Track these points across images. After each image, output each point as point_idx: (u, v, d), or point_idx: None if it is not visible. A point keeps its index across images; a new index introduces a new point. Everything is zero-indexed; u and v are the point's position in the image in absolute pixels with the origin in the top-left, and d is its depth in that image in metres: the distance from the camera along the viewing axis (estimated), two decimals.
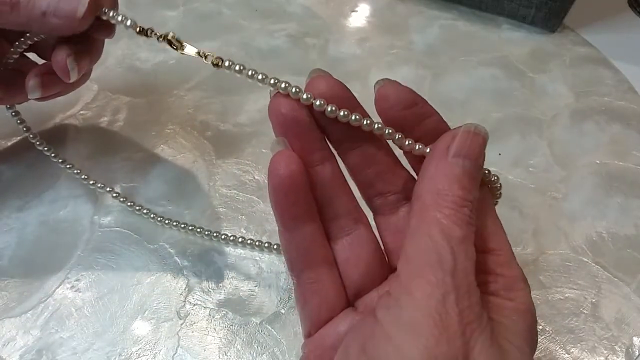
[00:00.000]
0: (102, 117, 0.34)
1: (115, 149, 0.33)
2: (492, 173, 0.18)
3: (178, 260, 0.28)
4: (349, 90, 0.18)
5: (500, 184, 0.19)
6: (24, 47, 0.26)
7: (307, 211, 0.18)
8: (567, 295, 0.27)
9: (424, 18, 0.44)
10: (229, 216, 0.30)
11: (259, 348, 0.25)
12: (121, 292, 0.26)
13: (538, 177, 0.33)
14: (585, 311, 0.27)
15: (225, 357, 0.24)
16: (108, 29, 0.24)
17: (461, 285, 0.15)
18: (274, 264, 0.28)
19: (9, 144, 0.33)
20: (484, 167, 0.18)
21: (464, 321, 0.14)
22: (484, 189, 0.18)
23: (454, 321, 0.14)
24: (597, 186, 0.32)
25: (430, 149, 0.18)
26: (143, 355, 0.24)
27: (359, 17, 0.45)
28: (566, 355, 0.25)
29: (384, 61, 0.40)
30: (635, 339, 0.26)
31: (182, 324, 0.25)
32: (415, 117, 0.18)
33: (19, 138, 0.33)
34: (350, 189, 0.19)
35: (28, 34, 0.25)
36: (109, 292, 0.26)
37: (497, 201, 0.19)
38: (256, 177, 0.32)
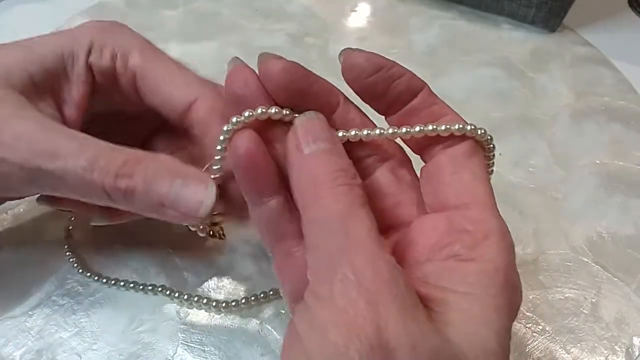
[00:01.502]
0: None
1: None
2: (486, 132, 0.18)
3: (178, 260, 0.28)
4: (303, 68, 0.18)
5: (489, 138, 0.18)
6: None
7: (270, 185, 0.18)
8: (567, 295, 0.27)
9: (424, 18, 0.44)
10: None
11: (259, 348, 0.25)
12: (121, 293, 0.26)
13: (538, 177, 0.33)
14: (585, 311, 0.27)
15: (226, 357, 0.24)
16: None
17: (359, 258, 0.14)
18: None
19: None
20: (478, 126, 0.17)
21: (372, 300, 0.13)
22: (465, 143, 0.17)
23: (360, 309, 0.13)
24: (597, 186, 0.32)
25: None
26: (143, 356, 0.24)
27: (359, 17, 0.45)
28: (566, 355, 0.25)
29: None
30: (635, 338, 0.26)
31: (182, 324, 0.25)
32: (385, 81, 0.17)
33: None
34: None
35: None
36: (109, 292, 0.26)
37: (491, 162, 0.19)
38: None
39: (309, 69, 0.19)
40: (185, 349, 0.24)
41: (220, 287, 0.27)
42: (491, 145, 0.18)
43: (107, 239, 0.28)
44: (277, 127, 0.18)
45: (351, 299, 0.13)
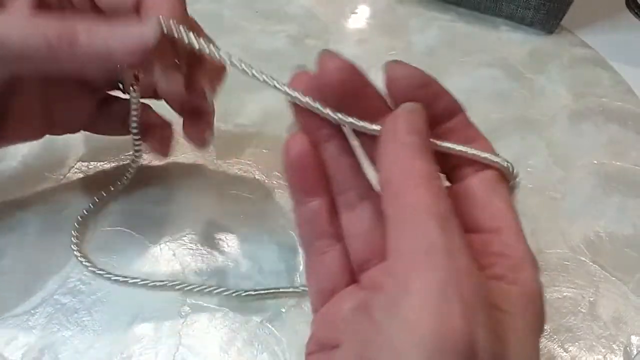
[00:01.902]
0: None
1: (116, 149, 0.33)
2: (507, 161, 0.18)
3: (179, 259, 0.28)
4: (361, 74, 0.18)
5: (513, 168, 0.18)
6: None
7: (316, 188, 0.19)
8: (565, 294, 0.27)
9: (423, 19, 0.45)
10: (230, 216, 0.30)
11: (260, 347, 0.25)
12: (122, 291, 0.26)
13: (537, 177, 0.33)
14: (583, 310, 0.27)
15: (227, 355, 0.24)
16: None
17: (460, 266, 0.14)
18: (275, 262, 0.28)
19: None
20: (500, 155, 0.18)
21: (468, 313, 0.14)
22: (494, 170, 0.18)
23: (456, 316, 0.13)
24: (595, 186, 0.33)
25: (380, 130, 0.17)
26: (144, 354, 0.24)
27: (359, 19, 0.45)
28: (564, 353, 0.25)
29: (384, 62, 0.40)
30: (633, 337, 0.26)
31: (183, 323, 0.25)
32: (426, 98, 0.18)
33: None
34: (358, 165, 0.20)
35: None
36: (111, 291, 0.26)
37: (514, 191, 0.19)
38: (257, 177, 0.32)
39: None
40: (186, 348, 0.25)
41: (222, 286, 0.27)
42: (517, 180, 0.18)
43: (113, 236, 0.28)
44: (326, 129, 0.19)
45: (447, 299, 0.14)
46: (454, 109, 0.18)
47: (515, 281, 0.16)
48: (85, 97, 0.27)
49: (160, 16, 0.20)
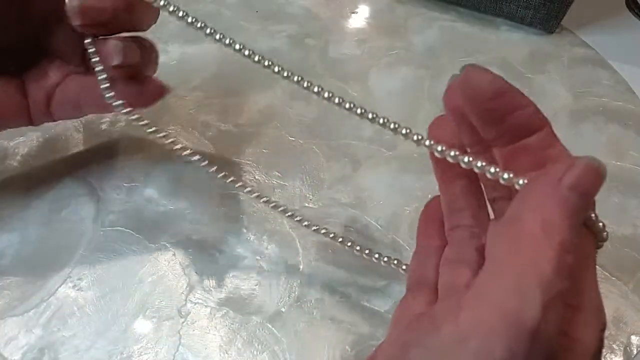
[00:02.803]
0: (104, 118, 0.35)
1: (116, 149, 0.33)
2: (599, 219, 0.16)
3: (179, 259, 0.28)
4: (512, 87, 0.16)
5: (606, 232, 0.16)
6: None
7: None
8: None
9: (423, 19, 0.45)
10: (230, 216, 0.30)
11: (260, 346, 0.25)
12: (123, 291, 0.26)
13: None
14: None
15: (227, 355, 0.25)
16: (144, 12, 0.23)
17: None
18: (275, 262, 0.28)
19: (11, 143, 0.33)
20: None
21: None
22: (587, 235, 0.16)
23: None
24: None
25: (528, 180, 0.16)
26: (145, 354, 0.24)
27: (359, 19, 0.45)
28: None
29: (384, 62, 0.40)
30: (633, 337, 0.26)
31: (183, 323, 0.25)
32: (505, 108, 0.16)
33: (22, 138, 0.33)
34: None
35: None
36: (111, 290, 0.26)
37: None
38: (257, 177, 0.32)
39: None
40: (186, 348, 0.25)
41: (221, 286, 0.27)
42: (604, 234, 0.17)
43: (114, 236, 0.28)
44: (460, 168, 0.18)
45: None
46: (537, 123, 0.16)
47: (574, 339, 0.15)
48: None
49: None
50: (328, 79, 0.38)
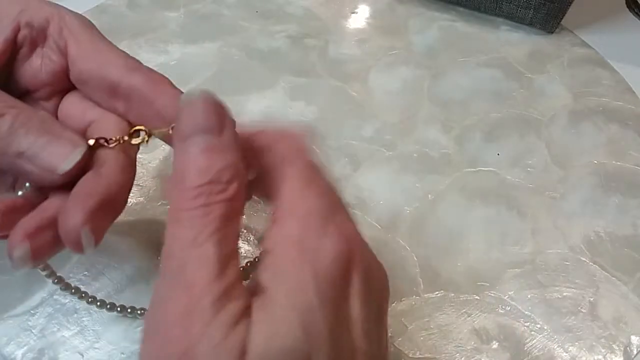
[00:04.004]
0: None
1: None
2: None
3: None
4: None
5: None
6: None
7: None
8: (565, 294, 0.27)
9: (423, 19, 0.45)
10: None
11: None
12: (123, 291, 0.26)
13: (536, 177, 0.33)
14: (583, 310, 0.27)
15: None
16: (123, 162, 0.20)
17: (188, 321, 0.13)
18: None
19: None
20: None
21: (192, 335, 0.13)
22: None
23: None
24: (595, 186, 0.33)
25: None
26: None
27: (359, 19, 0.45)
28: (564, 353, 0.25)
29: (384, 62, 0.40)
30: (633, 337, 0.26)
31: None
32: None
33: None
34: None
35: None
36: (111, 290, 0.26)
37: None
38: None
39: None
40: None
41: None
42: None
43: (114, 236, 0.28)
44: None
45: None
46: None
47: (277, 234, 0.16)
48: None
49: (84, 144, 0.19)
50: (328, 78, 0.38)
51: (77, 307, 0.26)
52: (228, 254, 0.15)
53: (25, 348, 0.24)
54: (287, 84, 0.37)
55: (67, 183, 0.18)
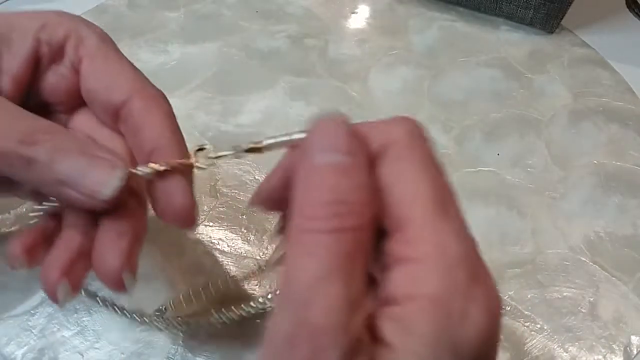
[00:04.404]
0: None
1: None
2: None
3: (179, 259, 0.28)
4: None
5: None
6: (43, 212, 0.20)
7: None
8: (565, 294, 0.27)
9: (423, 19, 0.45)
10: (230, 216, 0.30)
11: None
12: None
13: (536, 177, 0.33)
14: (583, 310, 0.27)
15: (227, 356, 0.24)
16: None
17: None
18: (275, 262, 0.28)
19: None
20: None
21: None
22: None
23: None
24: (595, 186, 0.33)
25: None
26: (144, 354, 0.24)
27: (359, 19, 0.45)
28: (564, 353, 0.25)
29: (384, 62, 0.40)
30: (633, 337, 0.26)
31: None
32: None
33: None
34: None
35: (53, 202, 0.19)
36: (110, 291, 0.26)
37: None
38: (257, 177, 0.32)
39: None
40: (186, 348, 0.25)
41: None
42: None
43: None
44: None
45: None
46: None
47: (405, 297, 0.13)
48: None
49: (125, 169, 0.18)
50: (328, 78, 0.38)
51: (77, 307, 0.26)
52: (357, 297, 0.13)
53: (25, 348, 0.24)
54: (287, 84, 0.37)
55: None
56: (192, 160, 0.19)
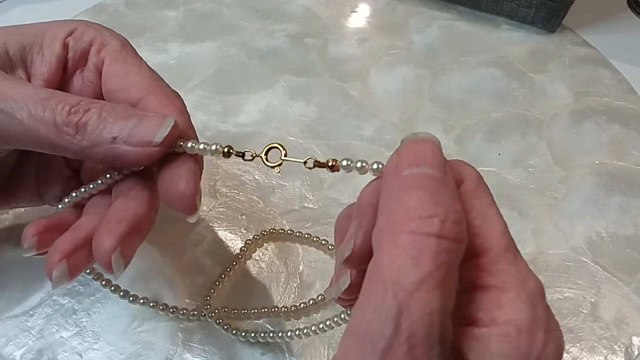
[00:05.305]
0: None
1: None
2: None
3: (178, 259, 0.28)
4: None
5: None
6: (104, 187, 0.21)
7: None
8: (566, 294, 0.27)
9: (423, 18, 0.45)
10: (229, 216, 0.30)
11: (259, 348, 0.25)
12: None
13: (537, 177, 0.33)
14: (584, 311, 0.27)
15: (226, 356, 0.24)
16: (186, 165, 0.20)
17: None
18: (276, 264, 0.28)
19: None
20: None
21: None
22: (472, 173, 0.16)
23: None
24: (597, 186, 0.33)
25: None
26: (143, 355, 0.24)
27: (359, 18, 0.45)
28: (565, 354, 0.25)
29: (384, 61, 0.40)
30: (634, 338, 0.26)
31: (182, 324, 0.25)
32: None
33: None
34: None
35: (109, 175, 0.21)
36: (109, 292, 0.26)
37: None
38: (256, 177, 0.32)
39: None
40: (185, 349, 0.25)
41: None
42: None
43: None
44: None
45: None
46: None
47: (492, 321, 0.13)
48: (65, 170, 0.25)
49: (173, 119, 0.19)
50: (328, 78, 0.38)
51: (76, 308, 0.26)
52: (449, 313, 0.12)
53: (24, 349, 0.24)
54: (286, 83, 0.37)
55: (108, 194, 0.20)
56: (263, 155, 0.20)
